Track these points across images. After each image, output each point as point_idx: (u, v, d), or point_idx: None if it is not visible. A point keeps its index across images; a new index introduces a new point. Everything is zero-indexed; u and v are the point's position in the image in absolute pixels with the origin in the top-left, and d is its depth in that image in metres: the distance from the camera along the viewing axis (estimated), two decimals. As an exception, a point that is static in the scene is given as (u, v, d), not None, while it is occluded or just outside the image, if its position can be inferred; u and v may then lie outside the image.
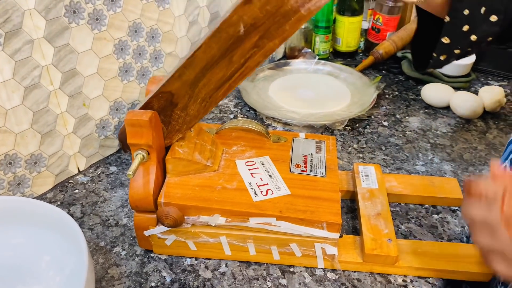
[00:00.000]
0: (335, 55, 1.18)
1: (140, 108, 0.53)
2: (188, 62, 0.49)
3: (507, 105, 0.96)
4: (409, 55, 1.05)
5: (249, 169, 0.60)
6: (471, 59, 1.01)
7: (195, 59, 0.49)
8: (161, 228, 0.56)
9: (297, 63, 1.07)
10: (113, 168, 0.75)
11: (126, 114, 0.51)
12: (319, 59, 1.08)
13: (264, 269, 0.58)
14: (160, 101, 0.53)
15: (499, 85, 1.00)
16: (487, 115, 0.91)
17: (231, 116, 0.90)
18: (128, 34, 0.72)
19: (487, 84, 1.03)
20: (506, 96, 0.96)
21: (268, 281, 0.56)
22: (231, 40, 0.46)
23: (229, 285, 0.56)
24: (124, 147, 0.75)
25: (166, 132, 0.56)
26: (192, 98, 0.52)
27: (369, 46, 1.15)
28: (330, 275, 0.57)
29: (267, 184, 0.58)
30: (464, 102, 0.89)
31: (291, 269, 0.58)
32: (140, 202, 0.54)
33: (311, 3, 0.43)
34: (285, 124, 0.86)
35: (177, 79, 0.51)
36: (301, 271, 0.58)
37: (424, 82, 1.00)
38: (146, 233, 0.57)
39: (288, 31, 0.45)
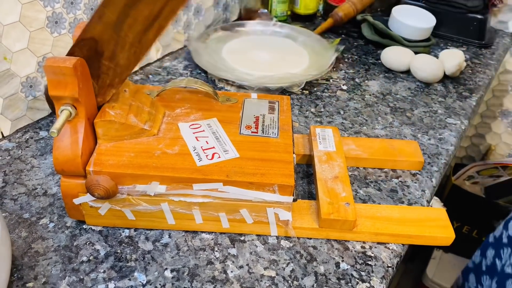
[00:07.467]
0: (294, 19, 1.11)
1: None
2: (107, 0, 0.43)
3: (466, 70, 0.94)
4: (369, 18, 1.01)
5: (193, 133, 0.54)
6: (431, 22, 0.97)
7: None
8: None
9: (253, 25, 1.00)
10: (43, 133, 0.67)
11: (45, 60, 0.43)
12: (276, 21, 1.01)
13: (212, 239, 0.52)
14: (83, 50, 0.45)
15: (459, 50, 0.98)
16: (446, 80, 0.89)
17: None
18: (56, -21, 0.62)
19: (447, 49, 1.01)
20: (465, 61, 0.95)
21: (216, 251, 0.51)
22: None
23: (172, 257, 0.50)
24: (52, 107, 0.67)
25: (97, 88, 0.48)
26: (119, 44, 0.46)
27: (328, 10, 1.10)
28: (284, 243, 0.52)
29: (213, 147, 0.52)
30: (425, 65, 0.86)
31: (242, 238, 0.53)
32: (66, 164, 0.47)
33: None
34: (239, 87, 0.80)
35: (98, 21, 0.44)
36: (252, 240, 0.52)
37: (384, 47, 0.95)
38: (76, 201, 0.50)
39: None
